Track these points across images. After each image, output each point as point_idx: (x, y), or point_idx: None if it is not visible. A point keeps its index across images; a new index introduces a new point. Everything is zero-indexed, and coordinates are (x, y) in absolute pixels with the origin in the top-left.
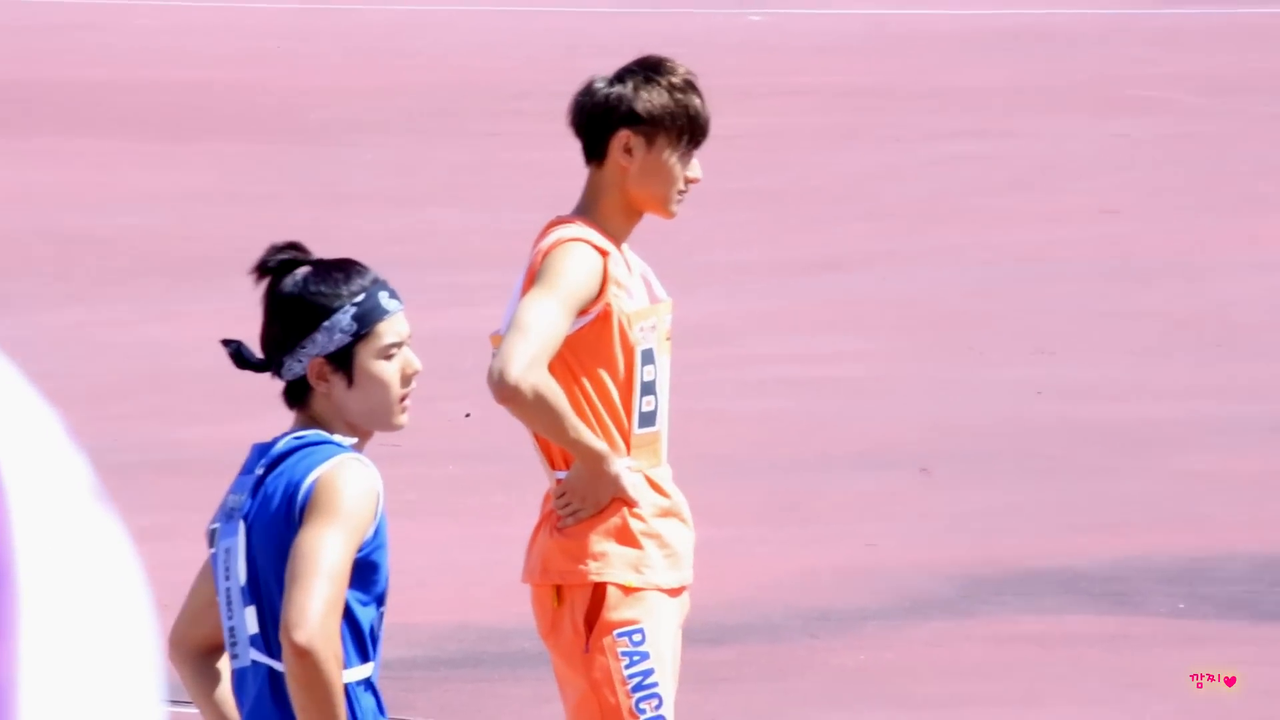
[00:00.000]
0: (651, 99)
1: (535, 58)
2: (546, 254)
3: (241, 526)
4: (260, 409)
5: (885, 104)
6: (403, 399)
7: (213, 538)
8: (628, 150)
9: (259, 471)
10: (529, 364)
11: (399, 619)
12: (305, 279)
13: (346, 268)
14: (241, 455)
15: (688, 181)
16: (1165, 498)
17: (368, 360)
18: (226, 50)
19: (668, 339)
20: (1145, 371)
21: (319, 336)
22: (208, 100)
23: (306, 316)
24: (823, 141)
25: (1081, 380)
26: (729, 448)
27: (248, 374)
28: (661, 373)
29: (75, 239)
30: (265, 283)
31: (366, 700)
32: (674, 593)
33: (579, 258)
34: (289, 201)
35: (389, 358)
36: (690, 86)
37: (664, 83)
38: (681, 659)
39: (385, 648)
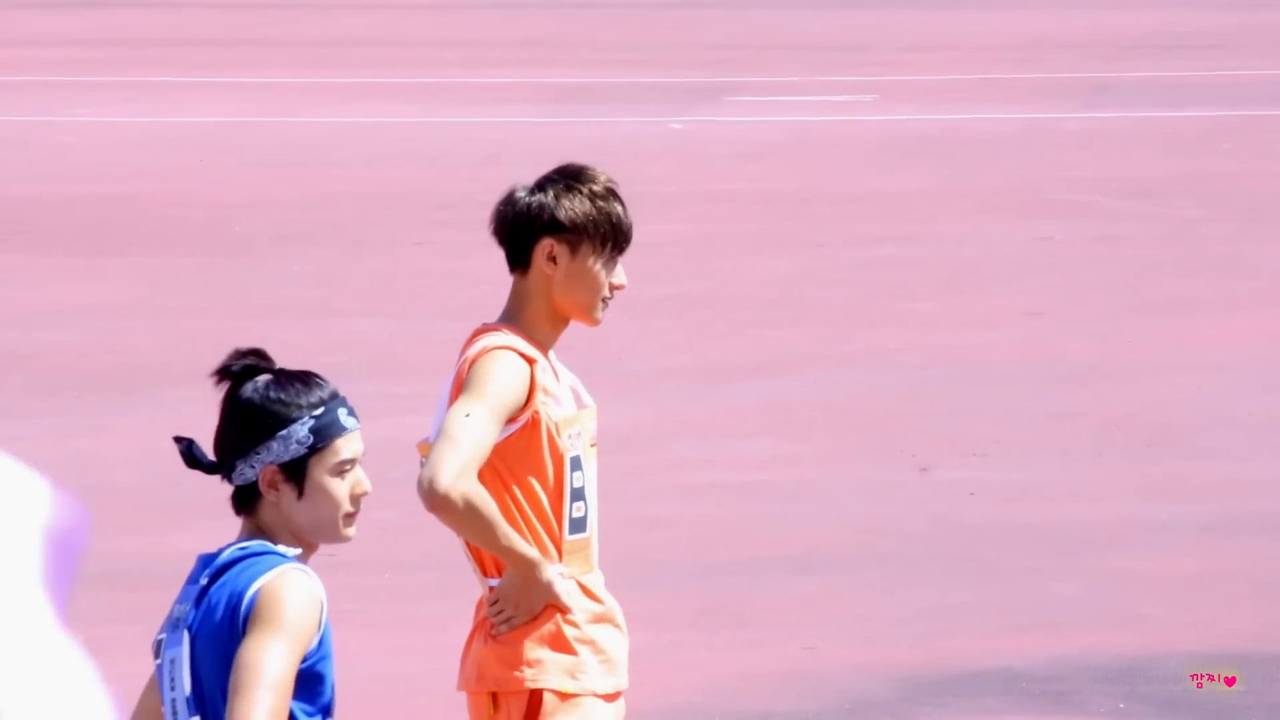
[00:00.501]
0: (574, 207)
1: (457, 167)
2: (473, 362)
3: (186, 637)
4: (194, 520)
5: (809, 209)
6: (350, 516)
7: (158, 649)
8: (552, 259)
9: (203, 581)
10: (459, 473)
11: None
12: (266, 386)
13: (307, 379)
14: (176, 567)
15: (612, 288)
16: (1102, 598)
17: (320, 474)
18: (150, 164)
19: (593, 445)
20: (1078, 472)
21: (274, 445)
22: (132, 214)
23: (264, 424)
24: (748, 247)
25: (1015, 481)
26: (663, 553)
27: (180, 486)
28: (590, 479)
29: (3, 354)
30: (224, 387)
31: None
32: (610, 698)
33: (506, 366)
34: (216, 314)
35: (341, 475)
36: (611, 194)
37: (585, 190)
38: None
39: None
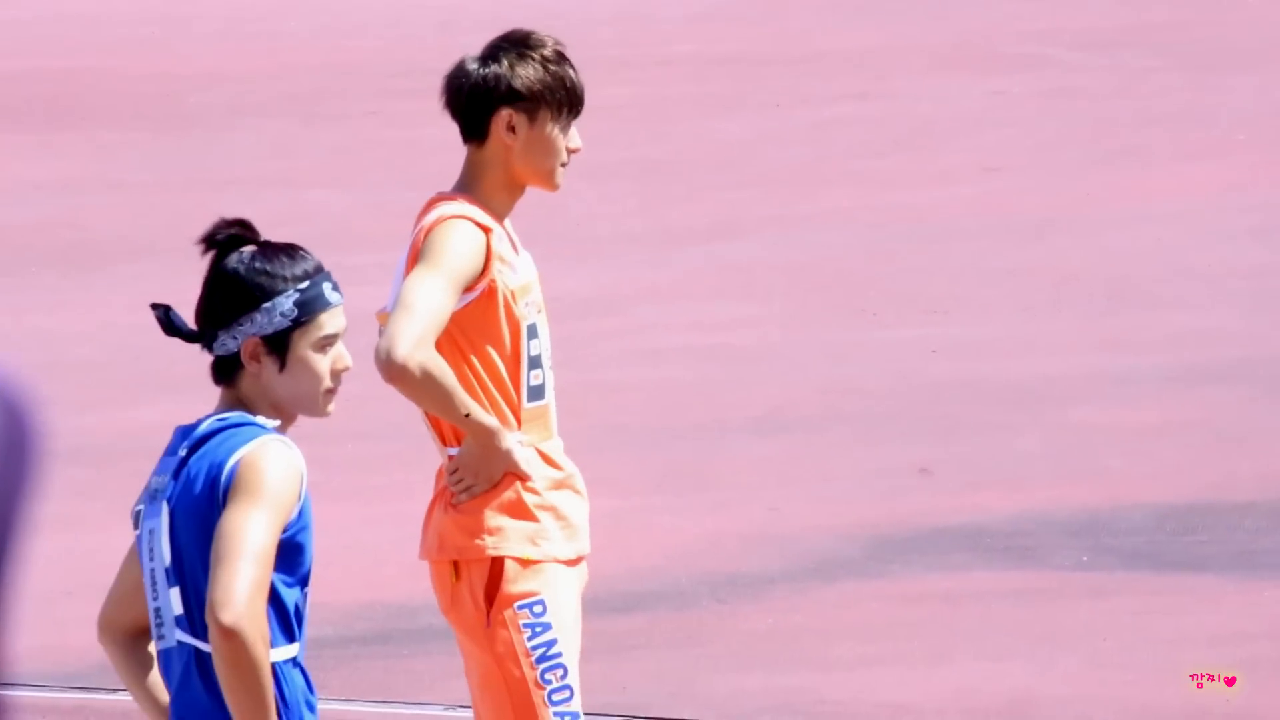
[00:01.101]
0: (529, 75)
1: (410, 35)
2: (429, 231)
3: (165, 508)
4: (154, 395)
5: (763, 70)
6: (330, 391)
7: (137, 519)
8: (511, 128)
9: (182, 453)
10: (416, 342)
11: (321, 598)
12: (252, 257)
13: (293, 252)
14: (137, 442)
15: (569, 152)
16: (1064, 452)
17: (303, 348)
18: (101, 38)
19: (540, 311)
20: (1037, 327)
21: (258, 316)
22: (83, 88)
23: (248, 295)
24: (703, 110)
25: (975, 338)
26: (625, 418)
27: (140, 361)
28: (545, 345)
29: None
30: (205, 257)
31: (295, 679)
32: (571, 563)
33: (462, 235)
34: (170, 188)
35: (324, 349)
36: (562, 57)
37: (537, 56)
38: (590, 628)
39: (309, 627)
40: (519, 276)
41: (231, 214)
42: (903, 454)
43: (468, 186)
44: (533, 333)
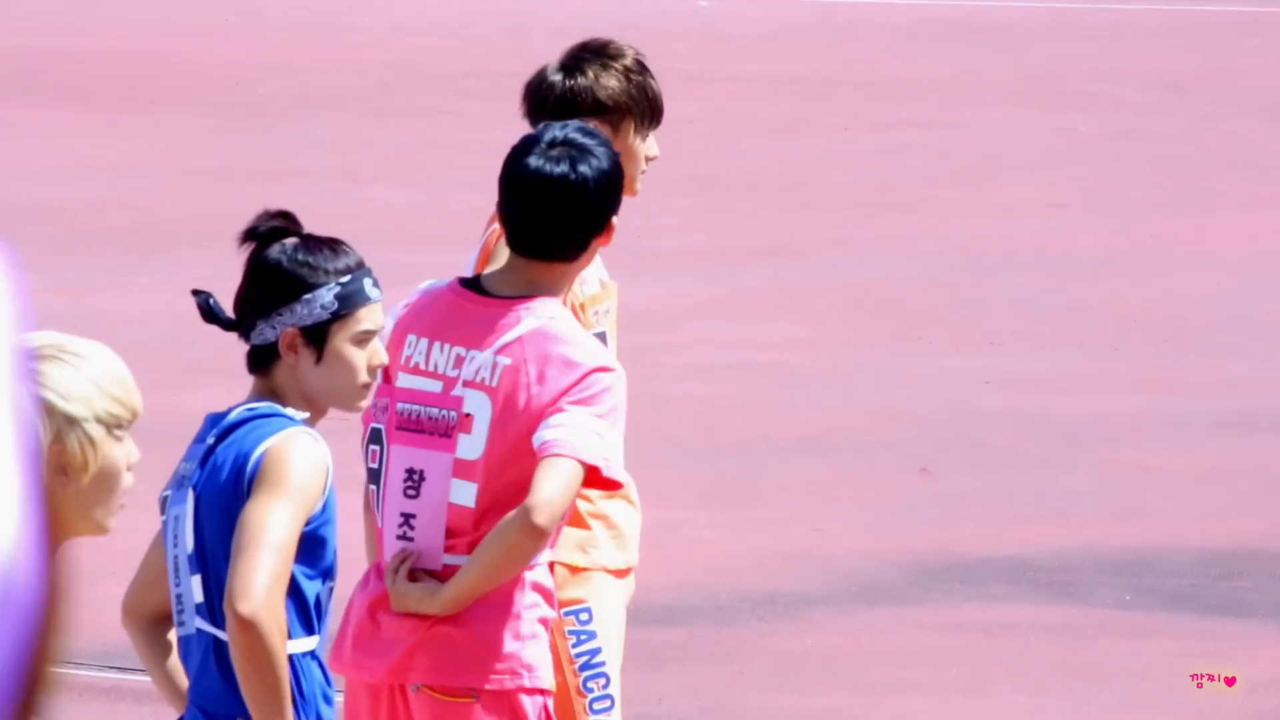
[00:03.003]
0: (613, 86)
1: (482, 37)
2: (499, 235)
3: (190, 495)
4: (207, 380)
5: (832, 93)
6: (365, 386)
7: (164, 505)
8: None
9: (210, 441)
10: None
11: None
12: (294, 249)
13: (335, 246)
14: (187, 426)
15: (648, 160)
16: (1112, 490)
17: (340, 342)
18: (177, 22)
19: (611, 320)
20: (1093, 365)
21: (298, 307)
22: (157, 72)
23: (289, 286)
24: (770, 129)
25: (1030, 372)
26: (675, 431)
27: (195, 346)
28: (613, 353)
29: (24, 208)
30: (247, 247)
31: (313, 672)
32: (620, 573)
33: None
34: (236, 175)
35: (361, 344)
36: (643, 68)
37: (619, 67)
38: (629, 639)
39: (331, 620)
40: (589, 286)
41: (294, 206)
42: (950, 483)
43: None
44: (602, 340)
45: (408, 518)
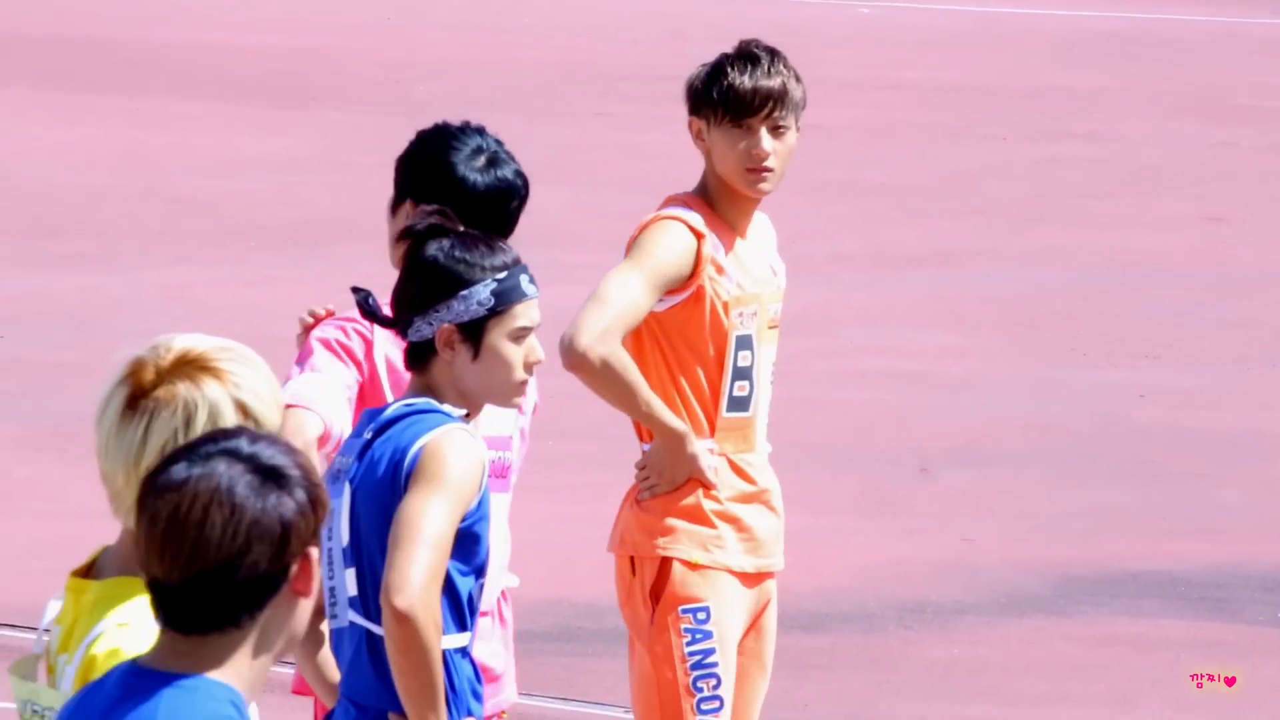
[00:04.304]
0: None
1: (640, 40)
2: (642, 228)
3: (347, 488)
4: None
5: (991, 101)
6: (522, 383)
7: None
8: (699, 135)
9: (367, 435)
10: (601, 334)
11: None
12: (451, 246)
13: (491, 243)
14: None
15: (755, 157)
16: (1266, 507)
17: (497, 338)
18: (338, 20)
19: (772, 327)
20: (1248, 380)
21: (455, 304)
22: (317, 68)
23: (447, 282)
24: (927, 136)
25: (1184, 386)
26: (827, 437)
27: None
28: (762, 360)
29: (181, 200)
30: (406, 244)
31: (464, 667)
32: (749, 578)
33: (671, 235)
34: (392, 173)
35: (518, 340)
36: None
37: (714, 61)
38: (776, 645)
39: None
40: (737, 288)
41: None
42: (1101, 496)
43: (701, 190)
44: (744, 344)
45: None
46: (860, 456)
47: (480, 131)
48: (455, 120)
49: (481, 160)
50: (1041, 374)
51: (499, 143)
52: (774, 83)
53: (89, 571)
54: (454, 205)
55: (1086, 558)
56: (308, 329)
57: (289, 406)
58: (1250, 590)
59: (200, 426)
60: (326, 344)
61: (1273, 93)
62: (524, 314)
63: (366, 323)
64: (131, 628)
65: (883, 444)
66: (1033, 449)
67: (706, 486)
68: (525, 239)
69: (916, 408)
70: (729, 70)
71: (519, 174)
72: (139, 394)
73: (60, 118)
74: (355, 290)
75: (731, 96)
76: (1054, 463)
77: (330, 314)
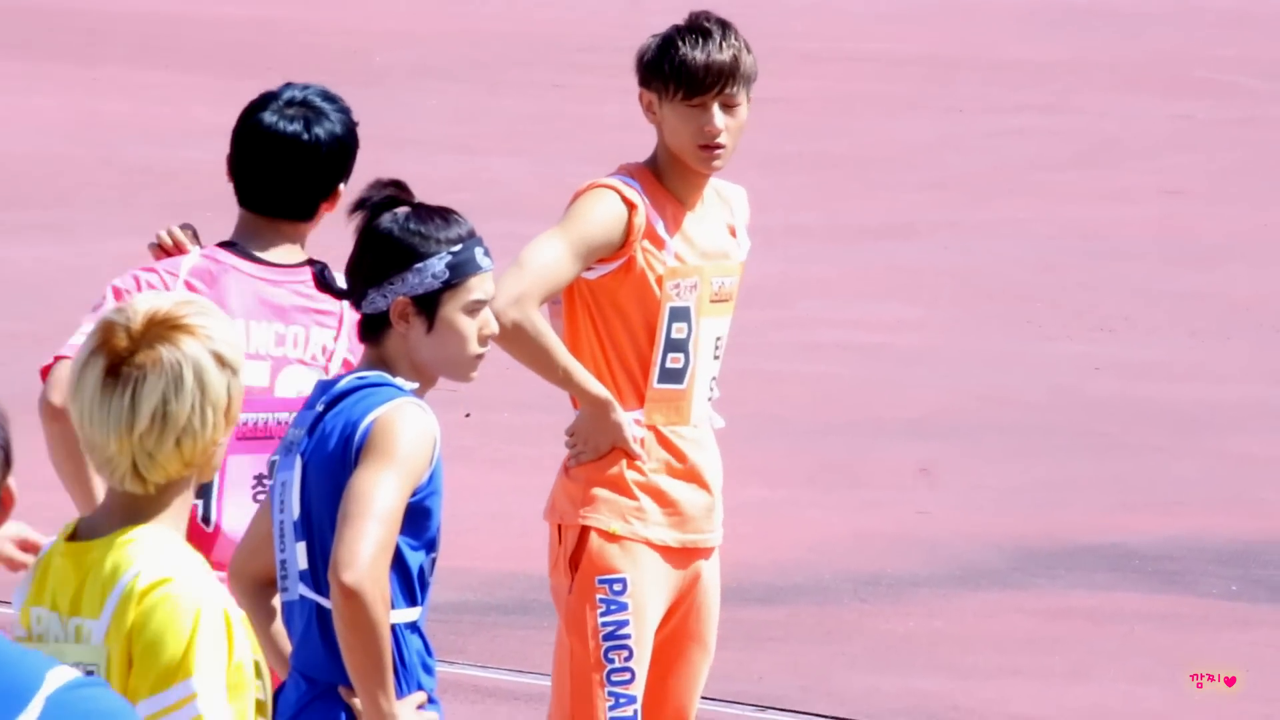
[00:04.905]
0: (646, 51)
1: (599, 11)
2: (576, 195)
3: (298, 462)
4: None
5: (949, 74)
6: (477, 356)
7: (272, 470)
8: (649, 108)
9: (319, 408)
10: (516, 299)
11: (450, 564)
12: (406, 218)
13: (447, 215)
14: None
15: (707, 134)
16: (1220, 480)
17: (452, 311)
18: None
19: (717, 300)
20: (1204, 353)
21: (410, 276)
22: (274, 39)
23: (401, 255)
24: (885, 109)
25: (1140, 359)
26: (783, 409)
27: None
28: (703, 332)
29: (139, 170)
30: (360, 216)
31: (414, 642)
32: (672, 553)
33: (602, 204)
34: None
35: (472, 313)
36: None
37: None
38: (730, 617)
39: (436, 592)
40: (675, 259)
41: (407, 175)
42: (1057, 468)
43: (651, 162)
44: (680, 315)
45: None
46: (817, 428)
47: (305, 87)
48: (411, 90)
49: (293, 111)
50: (998, 346)
51: (326, 94)
52: (725, 57)
53: (74, 539)
54: (265, 158)
55: (1042, 530)
56: (162, 251)
57: (59, 358)
58: (1204, 563)
59: (189, 384)
60: (118, 294)
61: (1231, 66)
62: (479, 287)
63: (173, 272)
64: (164, 557)
65: (839, 416)
66: (989, 421)
67: (630, 457)
68: (482, 210)
69: (872, 380)
70: (680, 44)
71: (342, 122)
72: (118, 361)
73: (16, 86)
74: (310, 261)
75: (684, 73)
76: (1010, 435)
77: (181, 247)
